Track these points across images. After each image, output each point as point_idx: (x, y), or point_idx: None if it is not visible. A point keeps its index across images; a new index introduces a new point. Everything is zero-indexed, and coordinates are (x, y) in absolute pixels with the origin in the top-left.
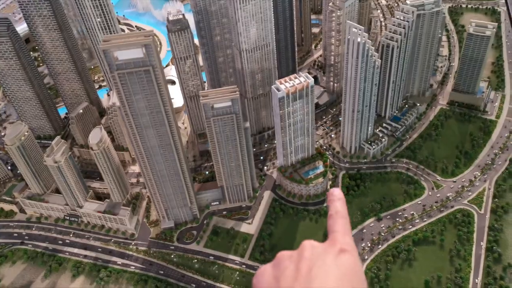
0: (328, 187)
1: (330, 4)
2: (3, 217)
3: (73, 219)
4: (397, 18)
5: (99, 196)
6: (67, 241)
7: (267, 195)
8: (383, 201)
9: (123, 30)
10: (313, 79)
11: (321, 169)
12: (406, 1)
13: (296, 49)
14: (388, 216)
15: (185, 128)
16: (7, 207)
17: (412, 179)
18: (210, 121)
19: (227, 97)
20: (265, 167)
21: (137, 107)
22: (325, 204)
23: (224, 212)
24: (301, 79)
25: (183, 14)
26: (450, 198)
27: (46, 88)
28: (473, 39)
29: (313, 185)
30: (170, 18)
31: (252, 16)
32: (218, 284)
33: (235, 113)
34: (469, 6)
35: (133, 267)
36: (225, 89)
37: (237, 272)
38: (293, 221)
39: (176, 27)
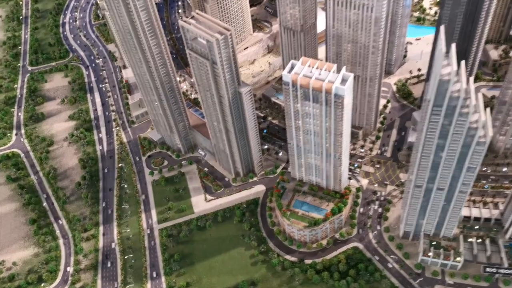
0: (308, 239)
1: None
2: None
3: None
4: None
5: None
6: None
7: (257, 189)
8: None
9: None
10: (349, 83)
11: (319, 215)
12: None
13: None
14: None
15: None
16: None
17: None
18: (188, 53)
19: (208, 34)
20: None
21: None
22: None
23: (206, 169)
24: (328, 76)
25: None
26: None
27: None
28: None
29: (288, 223)
30: None
31: None
32: None
33: (211, 60)
34: None
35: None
36: (220, 25)
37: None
38: (231, 234)
39: None
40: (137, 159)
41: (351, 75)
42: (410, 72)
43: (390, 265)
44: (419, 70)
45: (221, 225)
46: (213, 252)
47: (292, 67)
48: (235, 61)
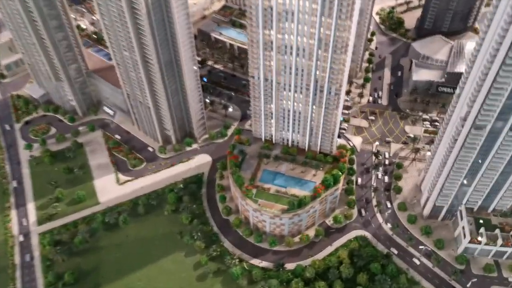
0: (286, 231)
1: None
2: None
3: None
4: None
5: None
6: None
7: (199, 160)
8: None
9: None
10: None
11: (304, 190)
12: None
13: None
14: None
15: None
16: None
17: None
18: None
19: None
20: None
21: None
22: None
23: (117, 136)
24: None
25: None
26: None
27: None
28: None
29: (254, 207)
30: None
31: None
32: None
33: None
34: None
35: None
36: None
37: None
38: (161, 232)
39: None
40: (7, 127)
41: None
42: None
43: (417, 261)
44: None
45: (144, 220)
46: (132, 263)
47: None
48: None
